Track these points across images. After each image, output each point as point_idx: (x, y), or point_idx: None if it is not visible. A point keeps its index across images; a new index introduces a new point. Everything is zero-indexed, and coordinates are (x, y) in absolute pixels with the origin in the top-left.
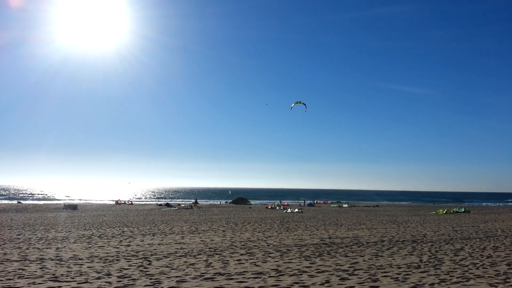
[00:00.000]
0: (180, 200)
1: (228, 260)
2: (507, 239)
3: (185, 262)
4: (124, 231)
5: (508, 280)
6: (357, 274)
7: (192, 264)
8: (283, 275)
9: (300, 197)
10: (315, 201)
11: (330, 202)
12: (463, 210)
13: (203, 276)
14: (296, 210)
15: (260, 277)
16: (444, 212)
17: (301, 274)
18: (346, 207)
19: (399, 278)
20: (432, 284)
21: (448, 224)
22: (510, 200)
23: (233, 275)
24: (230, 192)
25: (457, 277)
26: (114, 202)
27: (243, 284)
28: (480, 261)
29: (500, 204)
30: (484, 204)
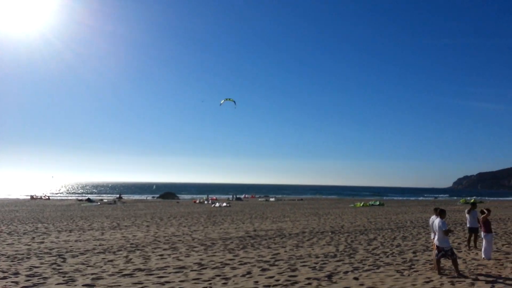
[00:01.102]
0: (104, 195)
1: (149, 256)
2: (415, 229)
3: (103, 258)
4: (37, 228)
5: (413, 267)
6: (277, 265)
7: (111, 260)
8: (205, 268)
9: (229, 192)
10: (243, 196)
11: (258, 196)
12: (378, 203)
13: (121, 272)
14: (224, 204)
15: (182, 272)
16: (361, 205)
17: (224, 267)
18: (273, 201)
19: (316, 267)
20: (346, 272)
21: (364, 216)
22: (426, 195)
23: (154, 270)
24: (154, 187)
25: (369, 265)
26: (29, 197)
27: (163, 279)
28: (390, 250)
29: (411, 198)
30: (397, 198)
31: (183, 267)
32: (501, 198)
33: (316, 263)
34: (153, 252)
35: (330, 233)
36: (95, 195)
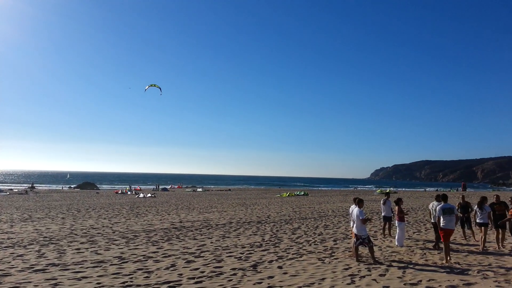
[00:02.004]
0: (14, 184)
1: (65, 250)
2: (336, 218)
3: (11, 253)
4: None
5: (333, 254)
6: (203, 256)
7: (21, 255)
8: (126, 262)
9: (154, 182)
10: (169, 186)
11: (185, 186)
12: (303, 193)
13: (32, 268)
14: (149, 195)
15: (100, 266)
16: (287, 195)
17: (146, 260)
18: (200, 191)
19: (242, 257)
20: (271, 261)
21: (289, 206)
22: (351, 186)
23: (69, 265)
24: (68, 176)
25: (293, 254)
26: None
27: (79, 275)
28: (312, 239)
29: (334, 188)
30: (321, 188)
31: (102, 261)
32: (413, 189)
33: (242, 253)
34: (69, 246)
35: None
36: (4, 184)
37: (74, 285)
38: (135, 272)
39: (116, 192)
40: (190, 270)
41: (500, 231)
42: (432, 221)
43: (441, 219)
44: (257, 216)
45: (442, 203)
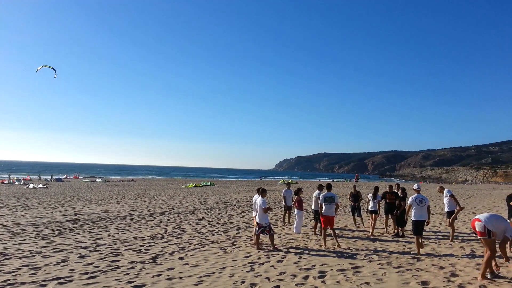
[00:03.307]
0: None
1: None
2: (240, 208)
3: None
4: None
5: (235, 243)
6: (99, 250)
7: None
8: (10, 258)
9: (47, 171)
10: (64, 176)
11: (82, 176)
12: (209, 184)
13: None
14: (41, 185)
15: None
16: (193, 185)
17: (34, 256)
18: (99, 182)
19: (141, 250)
20: (172, 252)
21: (195, 196)
22: (262, 176)
23: None
24: None
25: (195, 244)
26: None
27: None
28: (216, 228)
29: (240, 178)
30: (227, 179)
31: None
32: (313, 180)
33: (142, 246)
34: None
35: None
36: None
37: None
38: (19, 269)
39: (2, 182)
40: (84, 265)
41: (389, 217)
42: (313, 208)
43: (323, 206)
44: (160, 207)
45: (326, 192)
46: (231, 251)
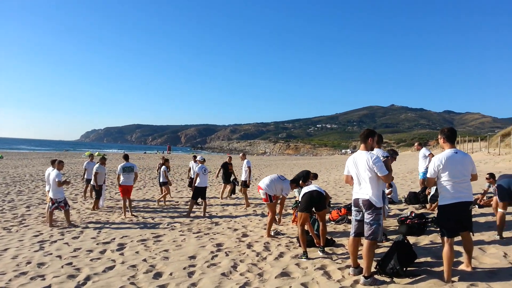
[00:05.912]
0: None
1: None
2: (33, 183)
3: None
4: None
5: (23, 222)
6: None
7: None
8: None
9: None
10: None
11: None
12: None
13: None
14: None
15: None
16: None
17: None
18: None
19: None
20: None
21: None
22: (69, 148)
23: None
24: None
25: None
26: None
27: None
28: (1, 207)
29: (39, 150)
30: (20, 150)
31: None
32: (123, 151)
33: None
34: None
35: None
36: None
37: None
38: None
39: None
40: None
41: (227, 186)
42: (89, 180)
43: (121, 177)
44: None
45: (125, 162)
46: (17, 231)
